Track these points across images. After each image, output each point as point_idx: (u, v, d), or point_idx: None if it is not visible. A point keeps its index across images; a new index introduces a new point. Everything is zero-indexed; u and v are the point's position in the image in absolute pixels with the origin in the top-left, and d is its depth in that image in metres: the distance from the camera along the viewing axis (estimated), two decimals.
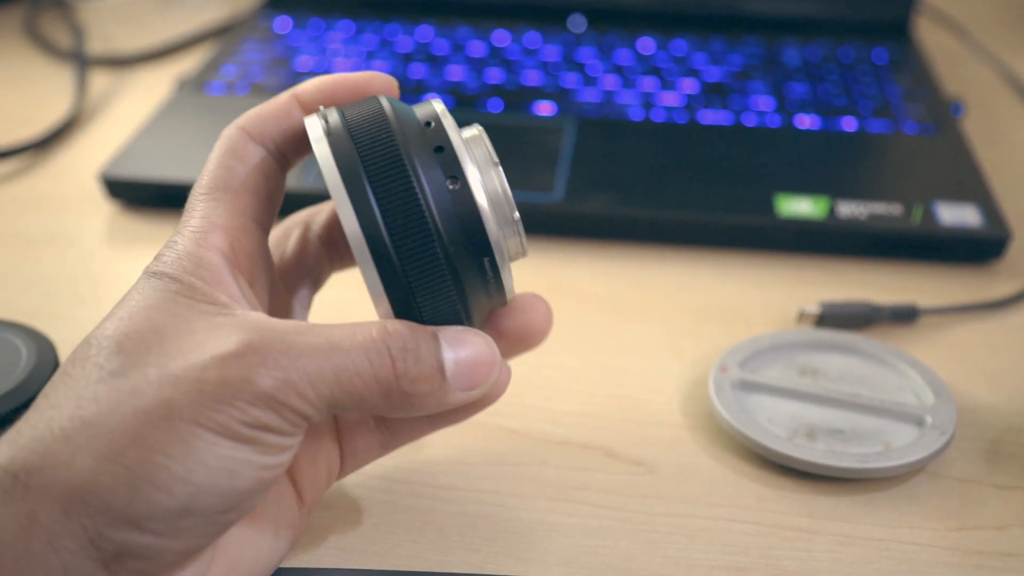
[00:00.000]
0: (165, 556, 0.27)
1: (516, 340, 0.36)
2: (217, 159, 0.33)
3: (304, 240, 0.38)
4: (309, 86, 0.34)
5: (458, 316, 0.32)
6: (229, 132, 0.33)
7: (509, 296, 0.33)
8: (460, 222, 0.31)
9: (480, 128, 0.34)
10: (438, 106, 0.33)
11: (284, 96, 0.34)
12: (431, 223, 0.30)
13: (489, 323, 0.36)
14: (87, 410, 0.27)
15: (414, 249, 0.30)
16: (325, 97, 0.34)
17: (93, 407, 0.27)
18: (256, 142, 0.33)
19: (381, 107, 0.31)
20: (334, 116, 0.31)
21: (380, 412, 0.30)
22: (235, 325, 0.28)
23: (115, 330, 0.28)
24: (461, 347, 0.31)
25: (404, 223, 0.30)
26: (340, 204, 0.29)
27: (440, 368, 0.30)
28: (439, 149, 0.31)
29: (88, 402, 0.27)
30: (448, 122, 0.32)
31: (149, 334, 0.28)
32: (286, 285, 0.37)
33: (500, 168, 0.32)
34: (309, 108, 0.34)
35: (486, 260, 0.31)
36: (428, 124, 0.32)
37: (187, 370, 0.27)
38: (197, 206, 0.32)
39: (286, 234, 0.38)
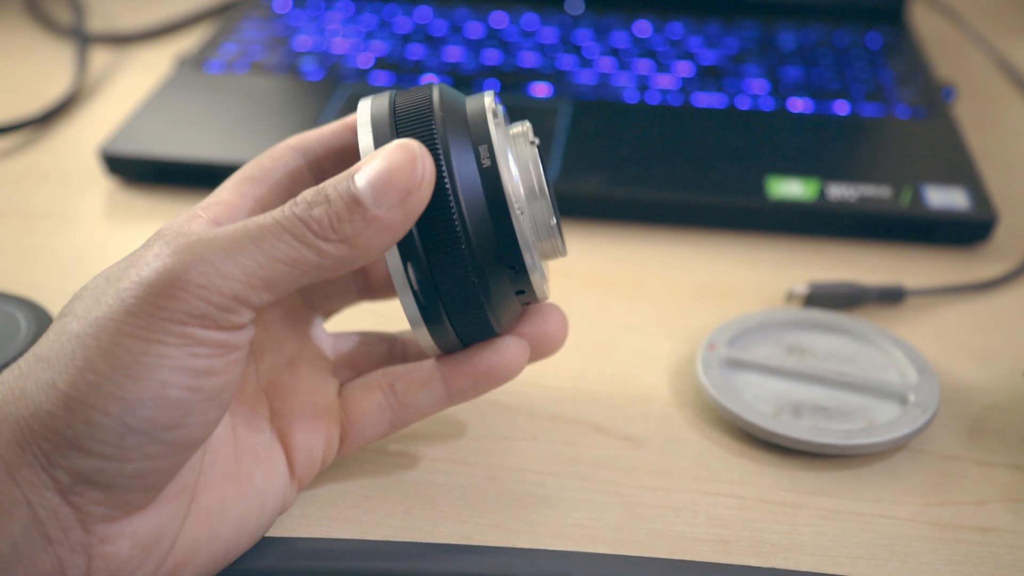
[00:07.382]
0: (120, 481, 0.28)
1: (532, 347, 0.36)
2: (254, 159, 0.35)
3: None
4: None
5: (476, 298, 0.32)
6: (275, 145, 0.36)
7: (540, 294, 0.35)
8: (486, 211, 0.32)
9: (527, 125, 0.35)
10: (488, 101, 0.34)
11: (337, 123, 0.36)
12: (454, 207, 0.31)
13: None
14: (41, 348, 0.29)
15: (436, 232, 0.31)
16: None
17: (45, 344, 0.28)
18: (297, 152, 0.36)
19: (430, 96, 0.33)
20: (383, 103, 0.33)
21: (330, 271, 0.29)
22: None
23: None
24: (370, 166, 0.29)
25: (429, 209, 0.31)
26: None
27: (353, 198, 0.29)
28: (479, 142, 0.33)
29: (43, 342, 0.29)
30: (491, 118, 0.33)
31: (102, 280, 0.30)
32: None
33: (538, 158, 0.34)
34: None
35: (511, 250, 0.32)
36: (474, 120, 0.33)
37: (113, 283, 0.28)
38: (217, 189, 0.34)
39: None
